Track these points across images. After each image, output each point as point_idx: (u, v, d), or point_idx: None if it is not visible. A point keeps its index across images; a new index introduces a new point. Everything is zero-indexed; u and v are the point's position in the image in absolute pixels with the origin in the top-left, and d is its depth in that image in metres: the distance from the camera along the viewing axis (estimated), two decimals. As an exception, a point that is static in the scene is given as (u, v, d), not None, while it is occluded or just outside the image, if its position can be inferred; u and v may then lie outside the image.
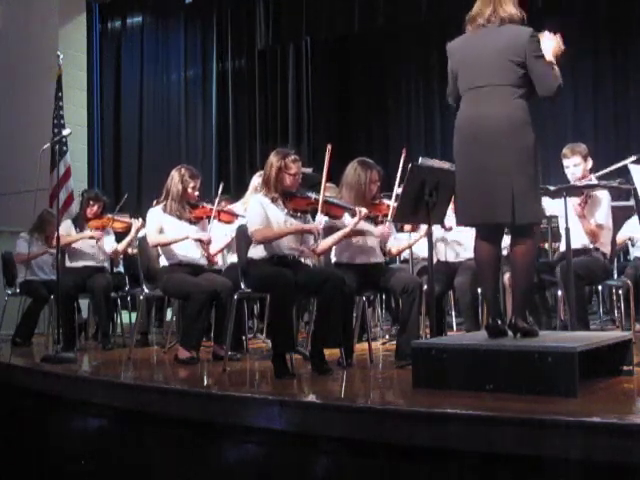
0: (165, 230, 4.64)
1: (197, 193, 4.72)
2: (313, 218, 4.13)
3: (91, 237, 5.50)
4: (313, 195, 4.09)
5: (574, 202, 4.45)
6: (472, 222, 3.33)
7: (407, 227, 4.91)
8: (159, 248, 4.71)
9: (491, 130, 3.14)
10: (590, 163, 4.63)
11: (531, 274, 3.36)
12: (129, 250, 5.96)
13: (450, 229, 4.65)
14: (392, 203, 4.18)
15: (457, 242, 4.96)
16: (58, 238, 4.79)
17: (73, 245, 5.55)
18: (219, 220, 4.88)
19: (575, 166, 4.56)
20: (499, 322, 3.18)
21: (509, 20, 3.21)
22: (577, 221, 4.42)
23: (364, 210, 4.11)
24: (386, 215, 4.22)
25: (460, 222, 3.39)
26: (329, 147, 4.04)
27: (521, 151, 3.13)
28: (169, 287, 4.58)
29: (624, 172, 4.29)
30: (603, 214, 4.55)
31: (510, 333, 3.22)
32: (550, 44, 3.20)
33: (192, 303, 4.33)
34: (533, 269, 3.41)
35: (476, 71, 3.23)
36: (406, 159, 4.13)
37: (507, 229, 3.47)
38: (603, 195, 4.56)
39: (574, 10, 8.58)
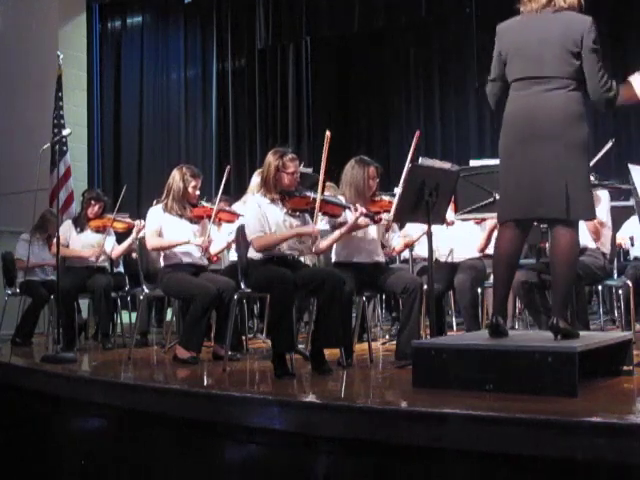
0: (165, 229, 4.63)
1: (198, 192, 4.73)
2: (312, 217, 4.12)
3: (88, 257, 5.50)
4: (312, 194, 4.08)
5: None
6: (517, 217, 3.17)
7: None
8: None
9: (544, 124, 3.03)
10: None
11: (573, 268, 3.16)
12: (134, 255, 5.95)
13: (452, 223, 4.65)
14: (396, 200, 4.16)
15: (457, 239, 4.96)
16: (58, 238, 4.79)
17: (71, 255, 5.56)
18: (220, 220, 4.89)
19: None
20: (501, 321, 3.17)
21: (568, 6, 3.07)
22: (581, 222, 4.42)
23: (361, 208, 4.10)
24: (387, 210, 4.20)
25: (502, 218, 3.25)
26: (328, 134, 4.02)
27: (575, 145, 3.03)
28: (171, 287, 4.57)
29: (624, 172, 4.29)
30: (604, 212, 4.55)
31: (510, 333, 3.22)
32: None
33: (197, 304, 4.32)
34: (575, 263, 3.18)
35: (529, 60, 3.09)
36: (418, 143, 4.11)
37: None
38: (602, 194, 4.56)
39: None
